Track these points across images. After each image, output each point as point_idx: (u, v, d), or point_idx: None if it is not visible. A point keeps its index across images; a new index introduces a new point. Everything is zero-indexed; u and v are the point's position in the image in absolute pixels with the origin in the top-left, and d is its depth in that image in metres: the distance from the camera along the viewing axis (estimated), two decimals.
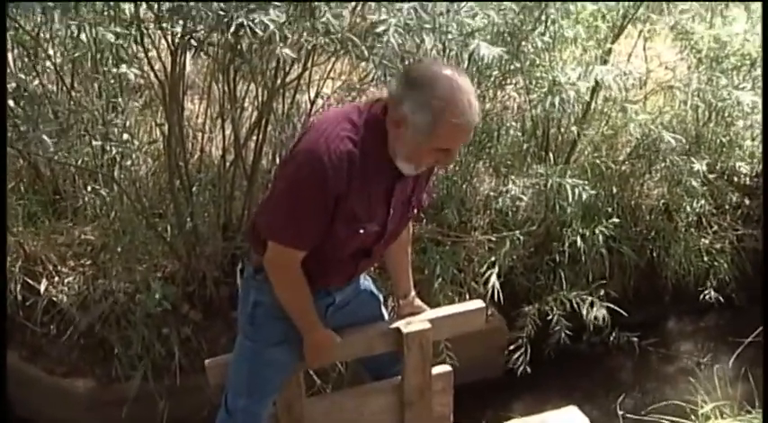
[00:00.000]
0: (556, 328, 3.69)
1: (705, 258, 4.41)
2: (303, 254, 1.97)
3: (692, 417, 2.89)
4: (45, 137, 2.61)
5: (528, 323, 3.65)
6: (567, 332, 3.70)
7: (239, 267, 3.19)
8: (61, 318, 3.43)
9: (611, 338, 3.97)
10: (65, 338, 3.40)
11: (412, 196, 2.11)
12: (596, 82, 3.50)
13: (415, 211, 2.19)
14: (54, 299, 3.43)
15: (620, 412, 2.99)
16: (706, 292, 4.28)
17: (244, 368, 2.21)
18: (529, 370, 3.58)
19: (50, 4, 2.70)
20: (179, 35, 2.69)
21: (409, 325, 2.30)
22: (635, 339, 4.00)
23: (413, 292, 2.39)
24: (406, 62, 1.94)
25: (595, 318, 3.70)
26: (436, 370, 2.45)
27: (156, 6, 2.59)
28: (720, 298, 4.28)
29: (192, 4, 2.42)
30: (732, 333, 3.73)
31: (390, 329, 2.32)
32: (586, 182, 3.53)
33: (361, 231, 2.01)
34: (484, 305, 2.48)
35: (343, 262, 2.11)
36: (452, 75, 1.83)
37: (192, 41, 2.65)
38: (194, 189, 3.43)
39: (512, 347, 3.71)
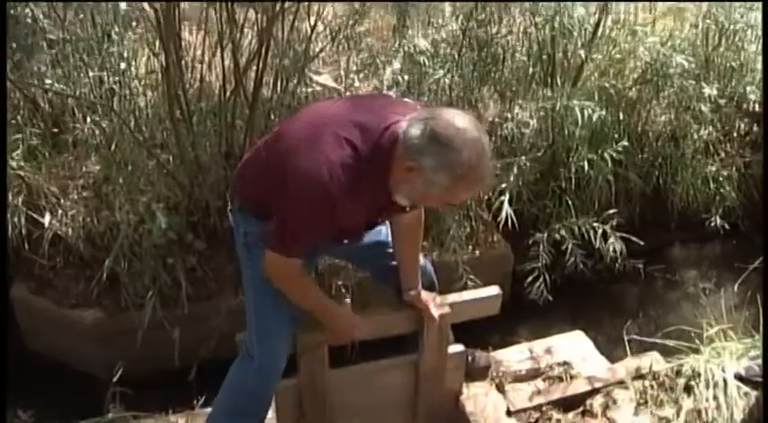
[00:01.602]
0: (566, 256, 3.68)
1: (711, 185, 4.39)
2: (298, 262, 2.03)
3: (697, 341, 2.91)
4: (41, 66, 2.55)
5: (541, 251, 3.63)
6: (582, 261, 3.70)
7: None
8: (67, 250, 3.44)
9: (617, 265, 3.96)
10: (71, 270, 3.41)
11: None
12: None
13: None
14: (59, 232, 3.42)
15: (626, 337, 3.00)
16: (712, 219, 4.27)
17: (251, 297, 2.22)
18: (540, 298, 3.59)
19: None
20: None
21: (431, 309, 2.37)
22: (641, 266, 3.99)
23: (419, 286, 2.40)
24: (430, 110, 1.91)
25: (603, 248, 3.68)
26: (451, 349, 2.55)
27: None
28: (726, 225, 4.27)
29: None
30: (737, 259, 3.72)
31: (412, 313, 2.39)
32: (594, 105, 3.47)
33: (345, 241, 2.13)
34: (500, 292, 2.54)
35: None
36: (479, 138, 1.83)
37: None
38: (195, 119, 3.39)
39: (519, 274, 3.73)
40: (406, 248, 2.36)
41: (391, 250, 2.38)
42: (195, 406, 2.72)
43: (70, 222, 3.45)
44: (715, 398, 2.70)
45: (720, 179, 4.43)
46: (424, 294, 2.38)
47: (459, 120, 1.83)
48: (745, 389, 2.72)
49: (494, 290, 2.52)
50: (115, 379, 2.23)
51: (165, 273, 3.25)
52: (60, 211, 3.48)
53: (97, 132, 3.52)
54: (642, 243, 3.83)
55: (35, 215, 3.41)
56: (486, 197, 3.74)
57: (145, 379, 2.84)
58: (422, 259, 2.48)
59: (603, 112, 3.49)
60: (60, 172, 3.63)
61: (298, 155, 1.91)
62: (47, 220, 3.41)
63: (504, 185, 3.67)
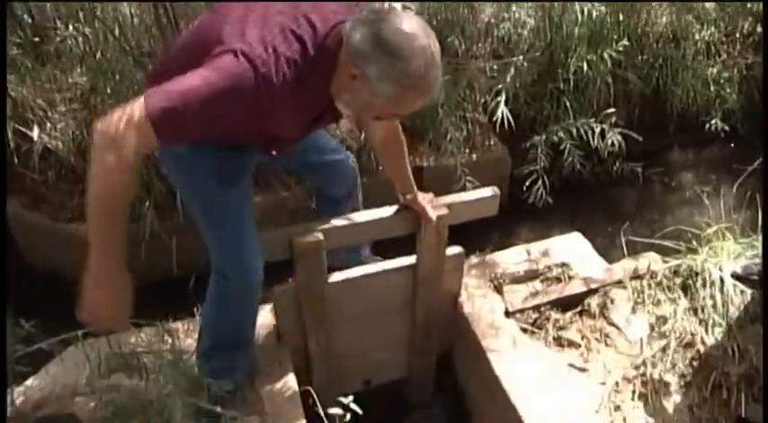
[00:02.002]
0: (564, 158, 3.65)
1: (712, 87, 4.32)
2: (151, 148, 1.68)
3: (695, 241, 2.91)
4: None
5: (539, 153, 3.59)
6: (580, 162, 3.66)
7: None
8: (59, 164, 3.39)
9: (615, 168, 3.94)
10: (65, 185, 3.37)
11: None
12: None
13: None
14: (48, 145, 3.36)
15: (624, 238, 3.00)
16: (711, 121, 4.21)
17: (206, 224, 2.09)
18: (540, 200, 3.57)
19: None
20: None
21: (428, 210, 2.33)
22: (639, 169, 3.97)
23: (415, 189, 2.35)
24: (376, 11, 1.70)
25: (601, 146, 3.63)
26: (450, 251, 2.52)
27: None
28: (726, 128, 4.22)
29: None
30: (736, 162, 3.68)
31: (409, 215, 2.36)
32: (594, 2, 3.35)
33: (273, 153, 1.97)
34: (498, 192, 2.50)
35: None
36: (429, 46, 1.67)
37: None
38: (182, 24, 3.26)
39: (517, 177, 3.70)
40: (394, 163, 2.31)
41: (330, 156, 2.33)
42: (195, 314, 2.73)
43: (60, 135, 3.39)
44: (712, 296, 2.72)
45: (721, 81, 4.36)
46: (421, 196, 2.34)
47: (408, 24, 1.67)
48: (742, 287, 2.74)
49: (491, 191, 2.50)
50: None
51: (159, 181, 3.20)
52: (49, 125, 3.40)
53: (81, 41, 3.41)
54: (637, 145, 3.78)
55: (23, 129, 3.34)
56: (482, 100, 3.67)
57: (144, 289, 2.83)
58: (345, 154, 2.42)
59: (603, 9, 3.37)
60: (46, 84, 3.54)
61: (236, 40, 1.67)
62: (35, 133, 3.34)
63: (500, 87, 3.60)
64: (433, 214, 2.32)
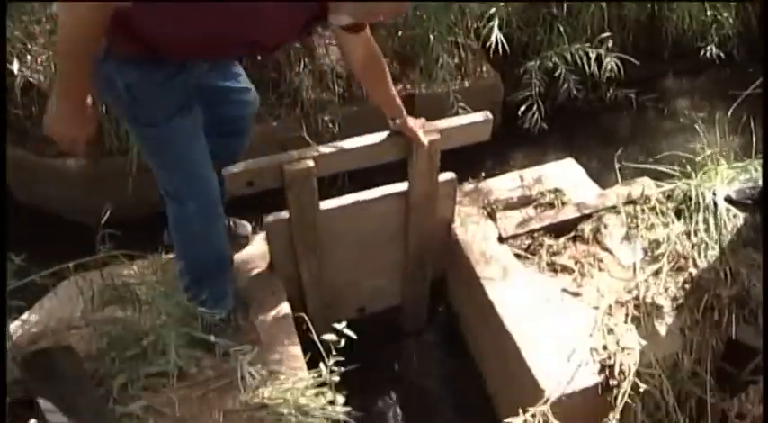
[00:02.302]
0: (558, 84, 3.59)
1: (708, 12, 4.22)
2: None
3: (688, 167, 2.89)
4: None
5: (533, 78, 3.53)
6: (576, 87, 3.61)
7: None
8: (42, 98, 3.30)
9: (609, 95, 3.89)
10: None
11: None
12: None
13: None
14: (30, 79, 3.28)
15: (617, 164, 2.97)
16: (707, 47, 4.15)
17: (157, 159, 2.08)
18: (534, 126, 3.53)
19: None
20: None
21: (419, 135, 2.29)
22: (633, 96, 3.93)
23: (405, 113, 2.29)
24: None
25: (596, 73, 3.57)
26: (442, 177, 2.50)
27: None
28: (721, 54, 4.16)
29: None
30: (731, 88, 3.64)
31: (400, 140, 2.31)
32: None
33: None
34: (490, 117, 2.46)
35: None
36: None
37: None
38: None
39: (511, 104, 3.64)
40: (377, 86, 2.26)
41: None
42: None
43: (41, 69, 3.30)
44: (705, 221, 2.72)
45: (718, 6, 4.26)
46: (412, 121, 2.30)
47: None
48: (735, 211, 2.74)
49: (483, 115, 2.46)
50: (104, 221, 2.19)
51: None
52: (29, 57, 3.31)
53: None
54: (631, 71, 3.73)
55: None
56: (474, 25, 3.58)
57: (135, 222, 2.81)
58: (249, 86, 2.34)
59: None
60: (24, 17, 3.42)
61: None
62: (15, 67, 3.25)
63: (493, 11, 3.50)
64: (424, 139, 2.28)
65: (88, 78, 1.74)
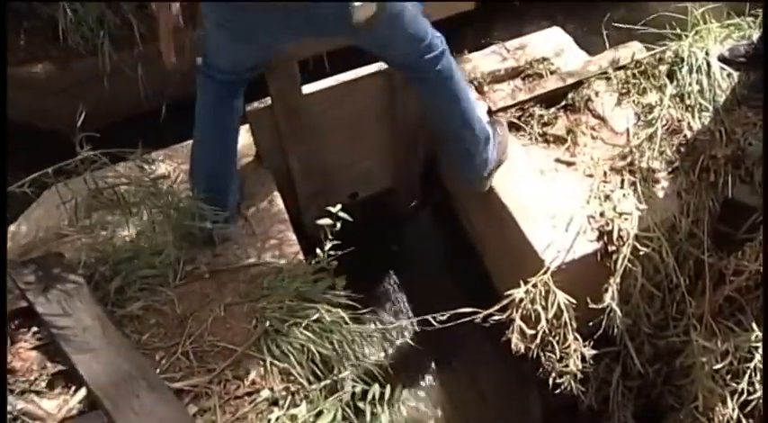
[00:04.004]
0: None
1: None
2: None
3: (679, 28, 2.79)
4: None
5: None
6: None
7: None
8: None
9: None
10: (8, 25, 3.13)
11: None
12: None
13: None
14: None
15: (605, 31, 2.86)
16: None
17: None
18: None
19: None
20: None
21: None
22: None
23: None
24: None
25: None
26: None
27: None
28: None
29: None
30: None
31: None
32: None
33: None
34: None
35: None
36: None
37: None
38: None
39: None
40: None
41: None
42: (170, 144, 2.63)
43: None
44: (698, 82, 2.66)
45: None
46: None
47: None
48: (729, 70, 2.67)
49: None
50: (80, 123, 2.09)
51: (111, 12, 2.98)
52: None
53: None
54: None
55: None
56: None
57: (114, 126, 2.72)
58: None
59: None
60: None
61: None
62: None
63: None
64: None
65: None
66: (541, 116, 2.60)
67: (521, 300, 2.21)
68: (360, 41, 2.01)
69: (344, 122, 2.50)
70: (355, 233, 2.07)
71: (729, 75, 2.66)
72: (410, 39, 2.04)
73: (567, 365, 2.26)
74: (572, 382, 2.27)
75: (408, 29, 2.00)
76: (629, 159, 2.47)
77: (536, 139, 2.56)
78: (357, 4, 1.75)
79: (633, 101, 2.67)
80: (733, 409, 2.11)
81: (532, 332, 2.21)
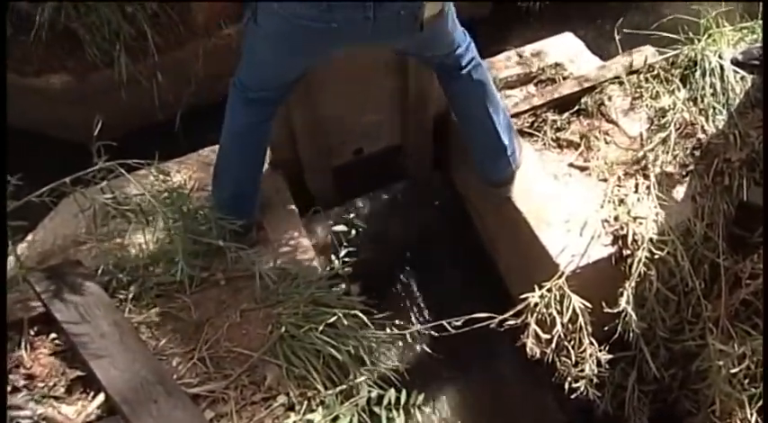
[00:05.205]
0: None
1: None
2: None
3: (691, 32, 2.79)
4: None
5: None
6: None
7: None
8: (16, 15, 3.17)
9: None
10: (24, 37, 3.18)
11: None
12: None
13: None
14: None
15: (618, 36, 2.86)
16: None
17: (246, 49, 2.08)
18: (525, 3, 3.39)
19: None
20: None
21: None
22: None
23: None
24: None
25: None
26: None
27: None
28: None
29: None
30: None
31: None
32: None
33: None
34: None
35: None
36: None
37: None
38: None
39: None
40: None
41: None
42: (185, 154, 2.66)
43: None
44: (712, 85, 2.65)
45: None
46: None
47: None
48: (742, 73, 2.66)
49: None
50: (96, 132, 2.12)
51: (127, 23, 3.02)
52: None
53: None
54: None
55: None
56: None
57: (129, 136, 2.75)
58: None
59: None
60: None
61: None
62: None
63: None
64: None
65: None
66: (554, 121, 2.60)
67: (536, 304, 2.21)
68: (407, 44, 2.08)
69: (352, 72, 2.37)
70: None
71: (743, 78, 2.66)
72: (451, 38, 2.12)
73: (582, 370, 2.25)
74: (588, 386, 2.26)
75: (450, 29, 2.08)
76: (642, 163, 2.47)
77: (549, 144, 2.57)
78: (428, 3, 1.79)
79: (646, 105, 2.66)
80: (751, 414, 2.10)
81: (548, 337, 2.21)
